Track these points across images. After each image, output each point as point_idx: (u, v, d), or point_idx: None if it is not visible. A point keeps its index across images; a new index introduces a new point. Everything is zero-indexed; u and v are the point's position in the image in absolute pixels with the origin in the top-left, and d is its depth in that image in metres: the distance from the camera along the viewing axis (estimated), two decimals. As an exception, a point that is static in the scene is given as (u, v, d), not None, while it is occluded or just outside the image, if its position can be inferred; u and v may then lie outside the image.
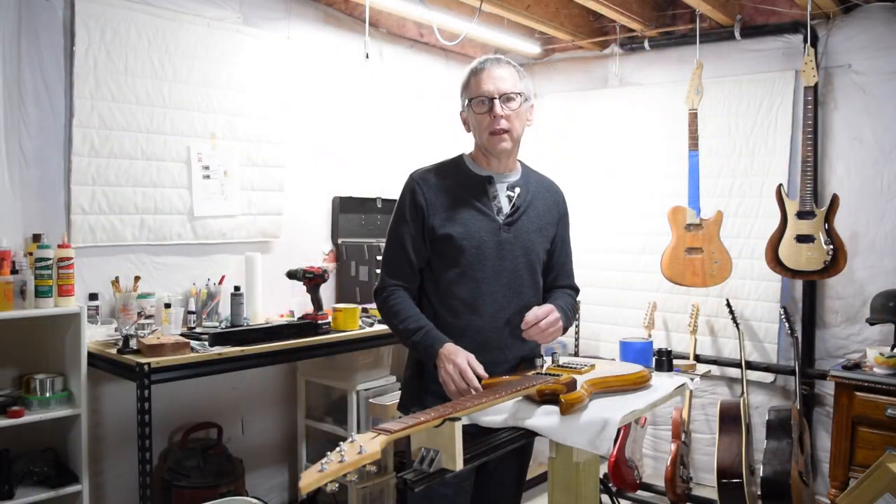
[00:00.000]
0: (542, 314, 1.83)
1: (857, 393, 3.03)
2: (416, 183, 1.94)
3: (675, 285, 3.71)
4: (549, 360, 1.89)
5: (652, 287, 4.07)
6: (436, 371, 1.81)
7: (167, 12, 3.02)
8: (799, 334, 3.59)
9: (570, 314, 2.00)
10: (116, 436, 2.94)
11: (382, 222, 3.92)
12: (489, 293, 1.88)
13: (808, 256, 3.27)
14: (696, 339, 3.82)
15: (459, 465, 1.35)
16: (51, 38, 2.72)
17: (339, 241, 3.75)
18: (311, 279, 3.06)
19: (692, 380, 2.02)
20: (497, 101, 1.86)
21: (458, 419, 1.36)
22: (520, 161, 2.05)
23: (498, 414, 1.64)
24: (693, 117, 3.60)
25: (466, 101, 1.94)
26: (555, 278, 2.05)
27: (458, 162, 2.00)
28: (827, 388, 3.51)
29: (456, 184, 1.94)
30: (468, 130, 1.99)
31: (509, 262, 1.90)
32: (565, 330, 1.95)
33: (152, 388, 2.48)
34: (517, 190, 1.96)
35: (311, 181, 3.66)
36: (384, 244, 2.00)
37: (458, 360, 1.75)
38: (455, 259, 1.88)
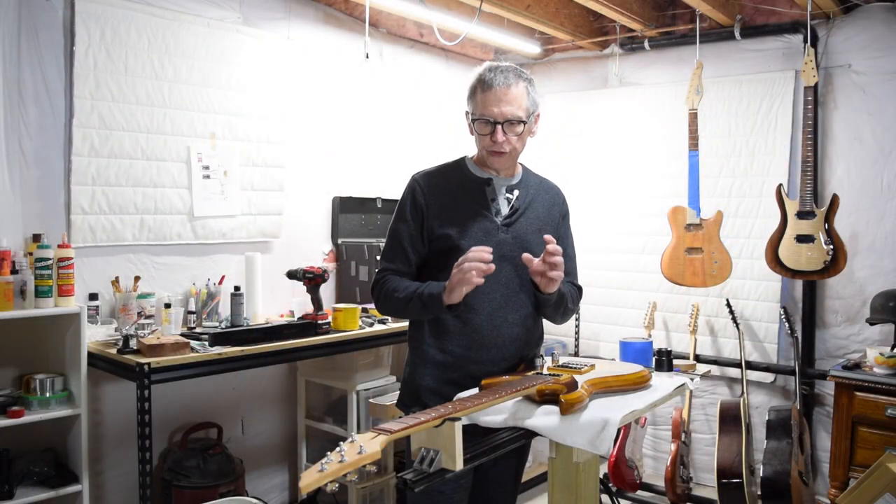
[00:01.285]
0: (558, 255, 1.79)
1: (857, 393, 3.03)
2: (416, 184, 1.96)
3: (675, 285, 3.71)
4: (549, 360, 1.89)
5: (652, 287, 4.07)
6: (456, 320, 1.84)
7: (167, 12, 3.02)
8: (799, 334, 3.59)
9: (570, 297, 1.99)
10: (116, 436, 2.94)
11: (382, 222, 3.92)
12: (486, 292, 1.89)
13: (808, 256, 3.27)
14: (696, 339, 3.82)
15: (459, 466, 1.35)
16: (51, 38, 2.72)
17: (339, 241, 3.75)
18: (311, 279, 3.06)
19: (692, 380, 2.02)
20: (500, 127, 1.85)
21: (458, 419, 1.36)
22: (521, 164, 2.06)
23: (498, 414, 1.64)
24: (693, 117, 3.60)
25: (471, 112, 1.92)
26: None
27: (459, 164, 2.01)
28: (827, 388, 3.51)
29: (456, 185, 1.95)
30: (472, 133, 1.98)
31: (507, 262, 1.90)
32: (561, 307, 1.94)
33: (152, 388, 2.48)
34: (516, 192, 1.97)
35: (311, 181, 3.66)
36: (384, 243, 2.01)
37: (459, 264, 1.73)
38: (453, 258, 1.88)
